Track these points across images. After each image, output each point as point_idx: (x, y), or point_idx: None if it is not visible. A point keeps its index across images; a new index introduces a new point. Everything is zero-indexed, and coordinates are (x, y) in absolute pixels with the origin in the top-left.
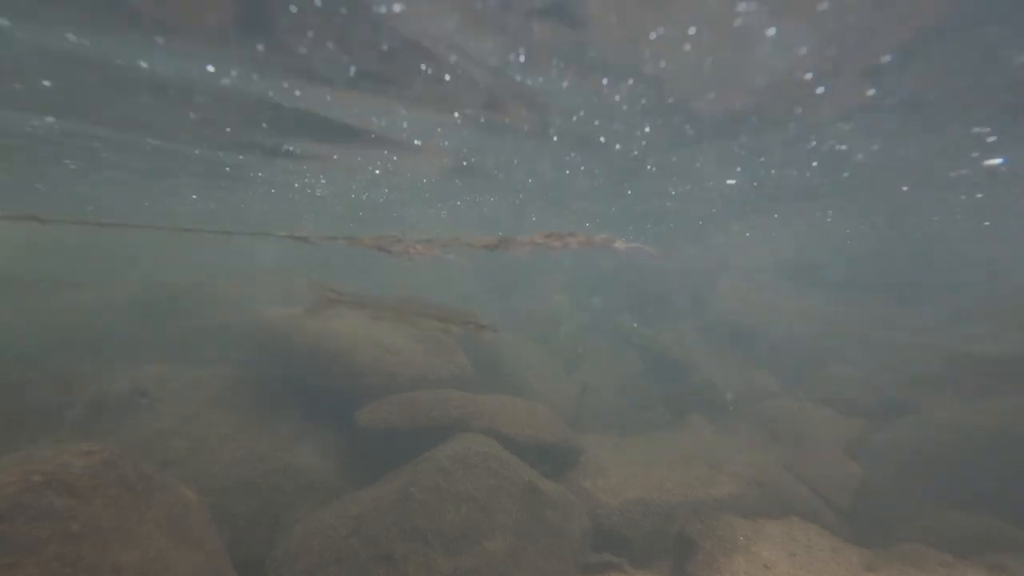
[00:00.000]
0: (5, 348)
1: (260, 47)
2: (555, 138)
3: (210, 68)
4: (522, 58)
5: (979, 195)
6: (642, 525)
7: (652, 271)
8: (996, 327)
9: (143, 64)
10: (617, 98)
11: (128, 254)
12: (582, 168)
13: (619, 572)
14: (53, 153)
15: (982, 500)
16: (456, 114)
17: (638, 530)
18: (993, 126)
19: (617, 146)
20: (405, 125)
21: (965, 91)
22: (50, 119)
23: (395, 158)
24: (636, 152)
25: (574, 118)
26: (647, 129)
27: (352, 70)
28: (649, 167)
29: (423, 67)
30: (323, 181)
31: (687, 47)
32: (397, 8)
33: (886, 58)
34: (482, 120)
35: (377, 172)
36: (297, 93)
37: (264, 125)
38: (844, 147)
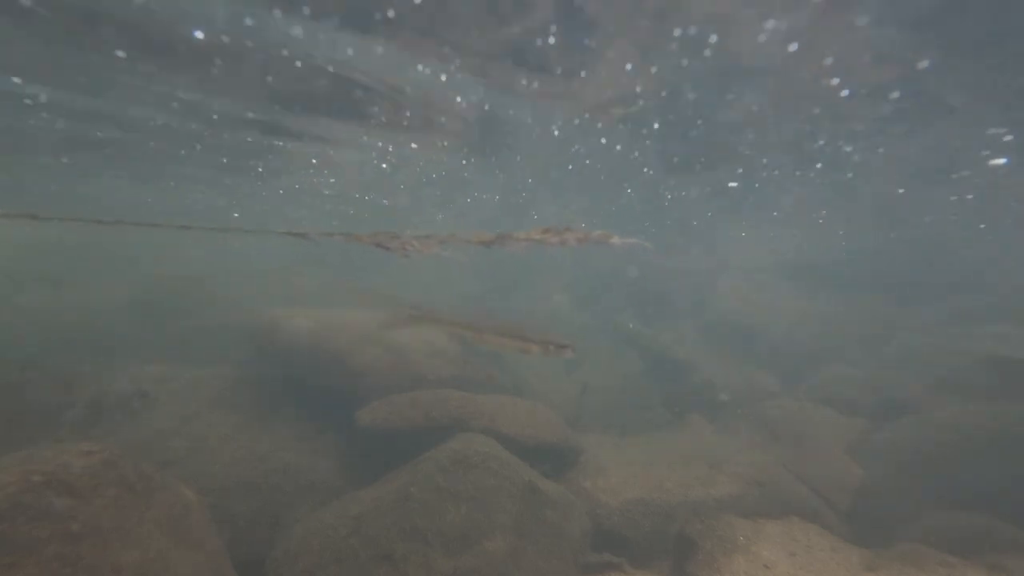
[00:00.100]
0: (5, 348)
1: None
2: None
3: None
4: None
5: (969, 196)
6: (642, 525)
7: (652, 271)
8: (1007, 327)
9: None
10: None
11: (128, 253)
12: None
13: (619, 572)
14: (62, 141)
15: (982, 500)
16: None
17: (638, 530)
18: (1010, 126)
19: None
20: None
21: (994, 92)
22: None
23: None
24: (637, 153)
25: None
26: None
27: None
28: (647, 169)
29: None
30: (332, 181)
31: (707, 52)
32: None
33: (923, 63)
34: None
35: (384, 166)
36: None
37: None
38: (849, 148)
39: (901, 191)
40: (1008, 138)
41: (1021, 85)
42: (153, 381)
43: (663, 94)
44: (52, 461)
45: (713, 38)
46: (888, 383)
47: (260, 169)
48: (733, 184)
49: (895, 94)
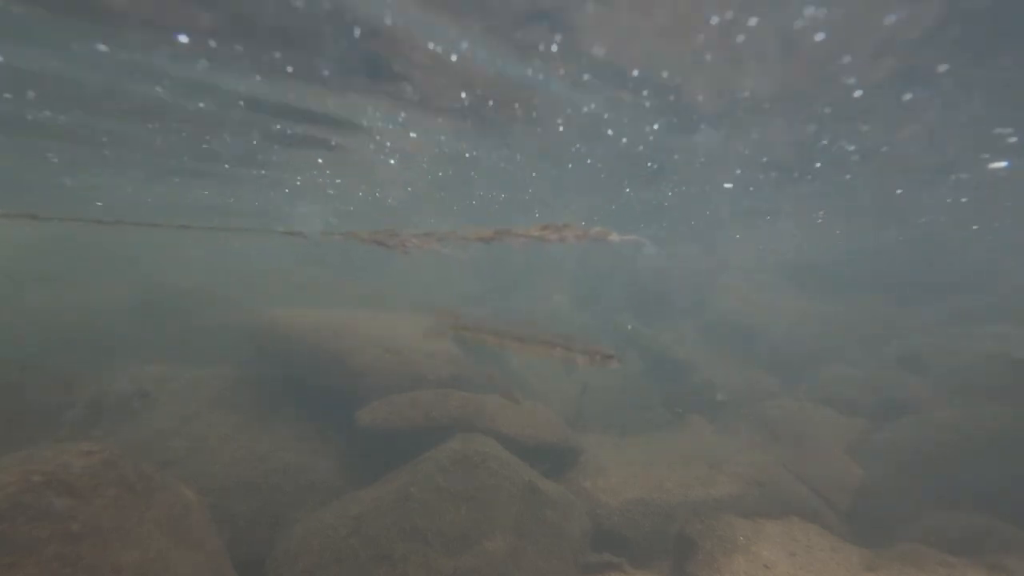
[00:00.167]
0: (5, 348)
1: None
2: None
3: None
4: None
5: (963, 199)
6: (642, 525)
7: (652, 271)
8: (1007, 327)
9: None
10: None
11: (128, 253)
12: (588, 161)
13: (619, 572)
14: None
15: (982, 500)
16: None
17: (638, 530)
18: (1016, 126)
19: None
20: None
21: (1005, 91)
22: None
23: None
24: (641, 147)
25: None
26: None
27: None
28: (650, 164)
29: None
30: (338, 181)
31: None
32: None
33: (943, 67)
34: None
35: (392, 162)
36: None
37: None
38: (852, 147)
39: (899, 191)
40: (1013, 139)
41: None
42: (153, 381)
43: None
44: (52, 461)
45: (753, 21)
46: (888, 383)
47: (262, 171)
48: (728, 185)
49: (908, 95)
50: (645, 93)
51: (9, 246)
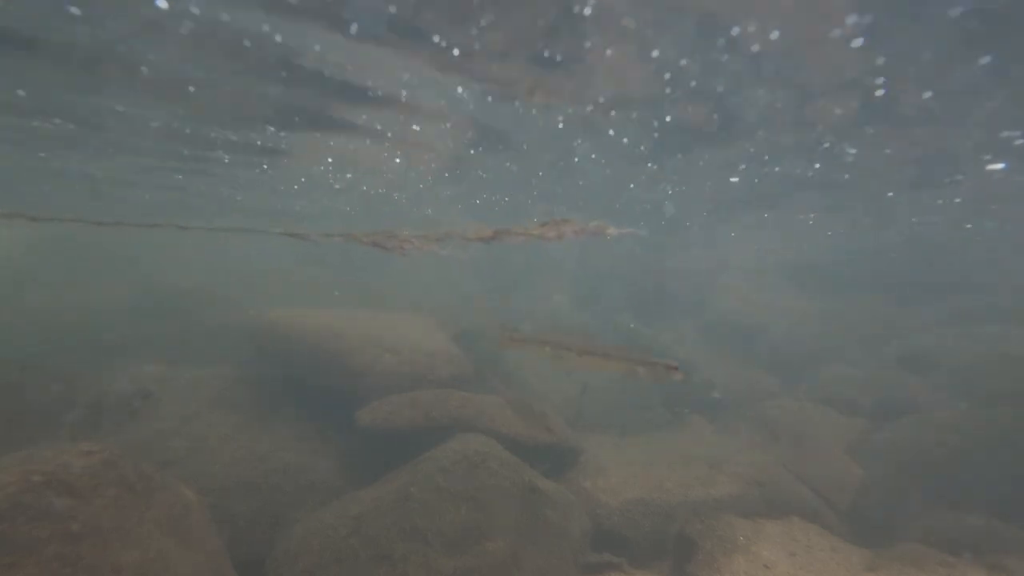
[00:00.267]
0: (5, 348)
1: None
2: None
3: None
4: None
5: (957, 199)
6: (642, 525)
7: (652, 271)
8: (1007, 327)
9: None
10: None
11: (128, 253)
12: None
13: (619, 572)
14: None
15: (982, 500)
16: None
17: (638, 530)
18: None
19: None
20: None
21: (1019, 93)
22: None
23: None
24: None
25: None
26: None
27: None
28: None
29: None
30: (348, 176)
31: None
32: None
33: (985, 59)
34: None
35: (397, 160)
36: None
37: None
38: (854, 150)
39: (890, 194)
40: (1020, 142)
41: None
42: (153, 381)
43: (692, 84)
44: (52, 461)
45: (775, 34)
46: (888, 383)
47: (265, 167)
48: (734, 179)
49: (927, 93)
50: None
51: (9, 245)
